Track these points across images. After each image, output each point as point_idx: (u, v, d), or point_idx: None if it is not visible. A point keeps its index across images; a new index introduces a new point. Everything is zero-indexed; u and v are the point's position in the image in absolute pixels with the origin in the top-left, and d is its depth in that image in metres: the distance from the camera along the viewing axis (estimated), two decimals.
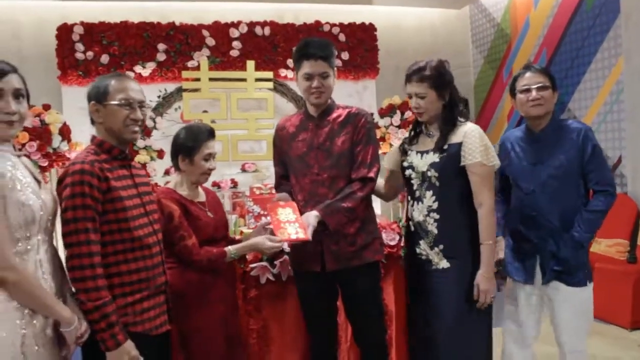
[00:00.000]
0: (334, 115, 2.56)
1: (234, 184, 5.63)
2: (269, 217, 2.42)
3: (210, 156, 2.45)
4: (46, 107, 4.91)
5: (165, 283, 2.13)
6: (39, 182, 1.83)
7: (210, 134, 2.48)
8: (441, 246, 2.45)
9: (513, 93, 2.69)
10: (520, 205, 2.63)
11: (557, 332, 2.62)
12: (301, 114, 2.65)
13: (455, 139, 2.46)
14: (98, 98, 2.01)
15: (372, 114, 5.62)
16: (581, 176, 2.56)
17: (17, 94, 1.76)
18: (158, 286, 2.05)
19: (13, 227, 1.67)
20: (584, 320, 2.59)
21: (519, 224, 2.65)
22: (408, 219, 2.58)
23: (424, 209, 2.48)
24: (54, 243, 1.92)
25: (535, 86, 2.56)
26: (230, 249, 2.37)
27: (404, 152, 2.61)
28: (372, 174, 2.47)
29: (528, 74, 2.61)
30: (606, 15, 5.31)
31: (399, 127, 5.57)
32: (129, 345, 1.87)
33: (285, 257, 2.73)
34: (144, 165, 5.28)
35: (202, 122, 2.63)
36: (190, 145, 2.41)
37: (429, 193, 2.47)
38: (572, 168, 2.53)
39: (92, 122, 2.07)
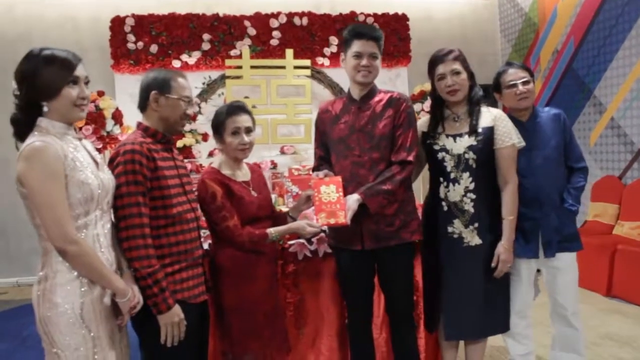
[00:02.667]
0: (376, 99, 2.50)
1: (274, 165, 5.65)
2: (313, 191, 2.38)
3: (239, 130, 2.30)
4: (100, 94, 4.99)
5: (203, 256, 2.18)
6: (97, 163, 1.87)
7: (236, 109, 2.34)
8: (476, 224, 2.49)
9: (498, 89, 2.75)
10: (520, 188, 2.59)
11: (561, 298, 2.70)
12: (344, 98, 2.60)
13: (485, 123, 2.49)
14: (161, 89, 2.06)
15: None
16: (563, 155, 2.71)
17: (86, 81, 1.82)
18: (195, 258, 2.10)
19: (73, 204, 1.72)
20: (577, 282, 2.76)
21: (519, 204, 2.61)
22: (440, 200, 2.54)
23: (461, 190, 2.48)
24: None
25: (520, 81, 2.65)
26: (271, 231, 2.32)
27: (429, 136, 2.57)
28: (411, 158, 2.42)
29: (511, 70, 2.70)
30: (635, 2, 5.08)
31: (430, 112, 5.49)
32: (178, 309, 1.95)
33: (322, 234, 2.71)
34: (189, 148, 5.34)
35: (235, 100, 2.50)
36: (215, 124, 2.36)
37: (465, 174, 2.47)
38: (560, 149, 2.69)
39: (142, 108, 2.11)
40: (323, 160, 2.63)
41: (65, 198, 1.69)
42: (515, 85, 2.65)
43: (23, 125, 1.75)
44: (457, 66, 2.46)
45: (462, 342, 2.78)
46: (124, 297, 1.80)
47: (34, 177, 1.64)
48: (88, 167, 1.78)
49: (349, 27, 2.49)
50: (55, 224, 1.65)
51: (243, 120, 2.33)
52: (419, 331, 2.85)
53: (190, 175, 2.23)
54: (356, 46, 2.42)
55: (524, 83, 2.65)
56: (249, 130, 2.35)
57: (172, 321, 1.93)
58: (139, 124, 2.11)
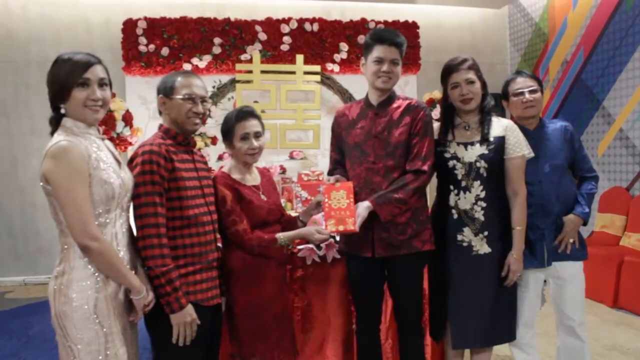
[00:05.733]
0: (394, 105, 2.49)
1: (283, 170, 5.67)
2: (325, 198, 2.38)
3: (248, 135, 2.32)
4: (111, 96, 5.01)
5: (218, 259, 2.18)
6: (119, 162, 1.91)
7: (245, 114, 2.35)
8: (486, 232, 2.48)
9: (506, 97, 2.79)
10: (527, 196, 2.59)
11: (567, 309, 2.71)
12: (361, 102, 2.59)
13: (496, 132, 2.50)
14: (165, 92, 2.11)
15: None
16: (570, 165, 2.76)
17: (101, 83, 1.85)
18: (210, 261, 2.11)
19: (95, 202, 1.76)
20: (583, 293, 2.76)
21: None
22: (450, 208, 2.53)
23: (472, 198, 2.47)
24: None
25: (528, 89, 2.69)
26: (280, 235, 2.32)
27: (439, 144, 2.56)
28: (425, 167, 2.39)
29: (520, 79, 2.74)
30: None
31: (439, 120, 5.50)
32: (190, 309, 1.97)
33: (331, 240, 2.72)
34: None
35: (244, 105, 2.50)
36: (225, 129, 2.37)
37: (476, 183, 2.47)
38: (567, 160, 2.72)
39: (160, 112, 2.17)
40: (338, 164, 2.62)
41: (89, 196, 1.73)
42: (522, 94, 2.69)
43: (55, 125, 1.81)
44: (472, 75, 2.47)
45: (467, 350, 2.78)
46: (139, 295, 1.83)
47: (59, 175, 1.69)
48: (110, 166, 1.82)
49: (371, 32, 2.47)
50: (78, 221, 1.69)
51: (252, 125, 2.35)
52: (425, 338, 2.85)
53: (210, 178, 2.25)
54: (377, 51, 2.39)
55: (531, 92, 2.68)
56: (258, 135, 2.36)
57: (185, 321, 1.95)
58: (161, 126, 2.15)
